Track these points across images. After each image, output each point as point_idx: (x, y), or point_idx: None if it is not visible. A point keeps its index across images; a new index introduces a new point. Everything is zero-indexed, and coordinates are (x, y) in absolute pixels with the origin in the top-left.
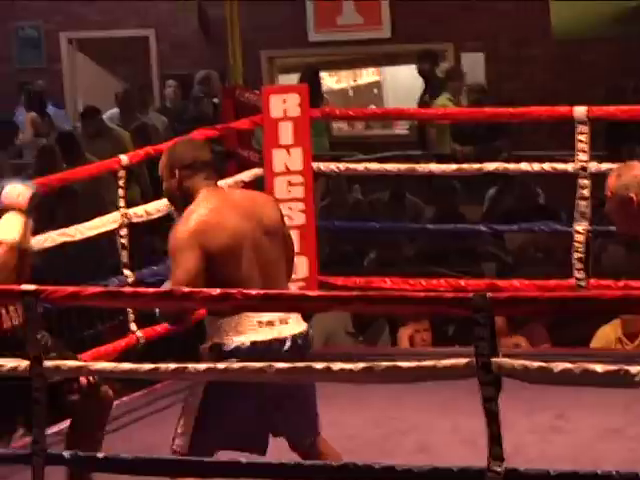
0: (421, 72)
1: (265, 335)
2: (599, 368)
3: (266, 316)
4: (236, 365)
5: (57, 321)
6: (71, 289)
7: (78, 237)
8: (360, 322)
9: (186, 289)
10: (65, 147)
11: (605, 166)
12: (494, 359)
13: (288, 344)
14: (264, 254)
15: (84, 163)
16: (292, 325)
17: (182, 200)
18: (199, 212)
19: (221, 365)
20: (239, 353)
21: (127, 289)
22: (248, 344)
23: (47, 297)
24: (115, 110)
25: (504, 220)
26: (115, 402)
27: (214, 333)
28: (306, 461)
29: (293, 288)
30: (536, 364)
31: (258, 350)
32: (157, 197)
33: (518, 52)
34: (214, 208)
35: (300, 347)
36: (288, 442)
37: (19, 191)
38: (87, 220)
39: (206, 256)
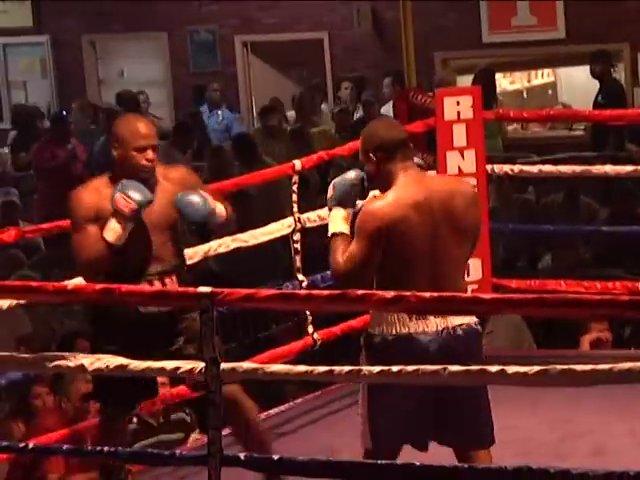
0: (594, 73)
1: (415, 328)
2: None
3: None
4: (410, 368)
5: (232, 324)
6: (246, 291)
7: (252, 242)
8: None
9: (361, 292)
10: (240, 149)
11: None
12: None
13: (436, 336)
14: (443, 249)
15: (261, 166)
16: (450, 317)
17: (383, 183)
18: (388, 203)
19: (395, 368)
20: (384, 344)
21: (301, 291)
22: (393, 336)
23: (223, 299)
24: (291, 113)
25: None
26: (290, 403)
27: (373, 322)
28: (479, 464)
29: (467, 291)
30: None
31: (402, 342)
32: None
33: None
34: (403, 200)
35: (458, 338)
36: (453, 449)
37: (125, 200)
38: (263, 223)
39: (382, 250)
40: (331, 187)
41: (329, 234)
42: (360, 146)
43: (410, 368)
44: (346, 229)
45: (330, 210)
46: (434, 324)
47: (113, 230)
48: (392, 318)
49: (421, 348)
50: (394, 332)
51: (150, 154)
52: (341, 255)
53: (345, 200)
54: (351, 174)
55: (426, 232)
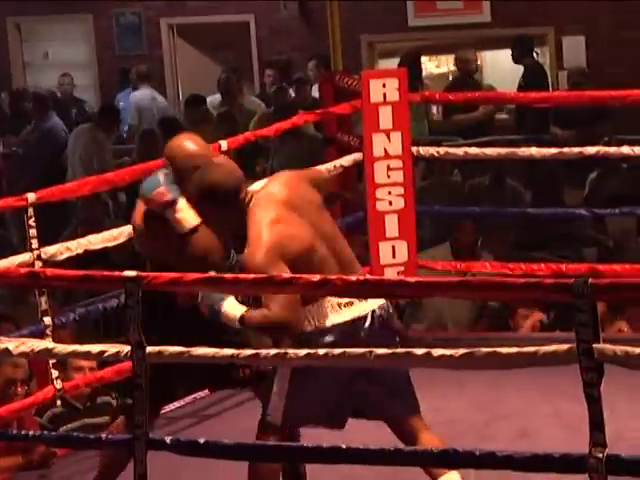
0: (515, 58)
1: (345, 316)
2: None
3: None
4: (337, 351)
5: None
6: (172, 275)
7: None
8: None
9: (287, 275)
10: (168, 132)
11: None
12: (596, 345)
13: (369, 320)
14: (326, 236)
15: None
16: (371, 301)
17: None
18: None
19: (322, 351)
20: (323, 336)
21: (227, 275)
22: (329, 326)
23: (149, 283)
24: (216, 96)
25: (607, 204)
26: None
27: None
28: (405, 447)
29: (392, 272)
30: (638, 350)
31: (340, 331)
32: None
33: (619, 35)
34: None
35: (383, 319)
36: (385, 421)
37: (157, 191)
38: None
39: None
40: None
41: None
42: None
43: (337, 351)
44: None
45: None
46: (367, 308)
47: None
48: (322, 310)
49: (356, 333)
50: (329, 323)
51: None
52: (261, 310)
53: None
54: None
55: (311, 234)
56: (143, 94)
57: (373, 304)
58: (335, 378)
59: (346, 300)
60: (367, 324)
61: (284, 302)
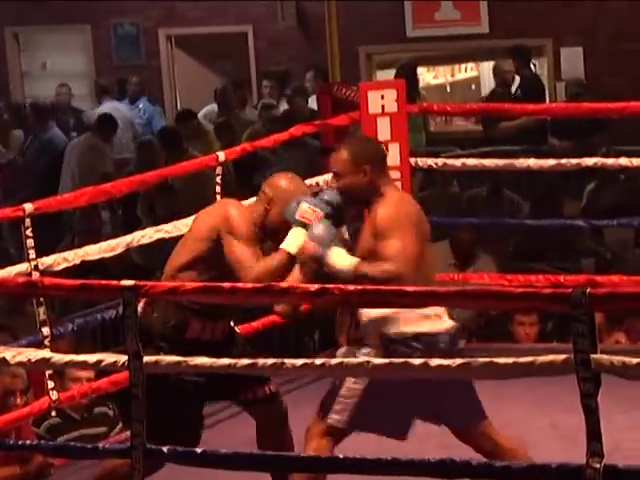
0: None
1: (432, 327)
2: None
3: (427, 310)
4: (334, 361)
5: None
6: (170, 284)
7: (175, 233)
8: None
9: (284, 284)
10: (167, 142)
11: None
12: (593, 355)
13: (449, 336)
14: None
15: (188, 158)
16: (446, 320)
17: (361, 197)
18: (402, 200)
19: (319, 361)
20: (408, 344)
21: (225, 284)
22: (415, 334)
23: (146, 292)
24: (213, 106)
25: (604, 215)
26: None
27: (377, 325)
28: (402, 457)
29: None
30: (635, 360)
31: (423, 342)
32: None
33: (618, 46)
34: (409, 198)
35: (455, 341)
36: (450, 429)
37: (310, 210)
38: (189, 215)
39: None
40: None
41: (343, 266)
42: (347, 157)
43: (334, 361)
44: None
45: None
46: (445, 324)
47: (297, 243)
48: (409, 317)
49: (438, 348)
50: (415, 331)
51: None
52: (381, 264)
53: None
54: (329, 195)
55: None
56: (106, 107)
57: (451, 322)
58: (405, 387)
59: (427, 312)
60: (447, 339)
61: (407, 258)
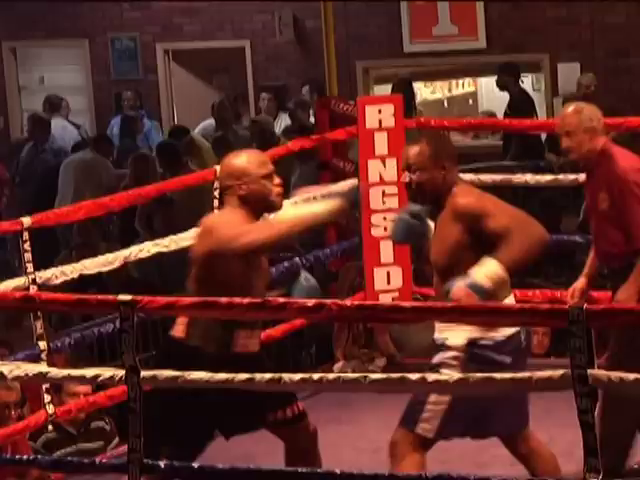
0: (500, 85)
1: (511, 330)
2: None
3: None
4: (331, 376)
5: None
6: (167, 299)
7: (173, 247)
8: None
9: (282, 300)
10: (165, 157)
11: None
12: (590, 371)
13: (523, 336)
14: None
15: (186, 172)
16: None
17: (436, 193)
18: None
19: (316, 376)
20: (501, 346)
21: (222, 299)
22: (504, 338)
23: (143, 307)
24: (210, 121)
25: None
26: None
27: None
28: (399, 472)
29: (386, 298)
30: (632, 376)
31: (512, 343)
32: None
33: (614, 62)
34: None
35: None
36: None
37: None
38: (186, 229)
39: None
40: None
41: None
42: (427, 152)
43: (331, 376)
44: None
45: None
46: None
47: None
48: None
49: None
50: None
51: (277, 179)
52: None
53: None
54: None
55: None
56: (55, 124)
57: None
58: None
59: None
60: (523, 339)
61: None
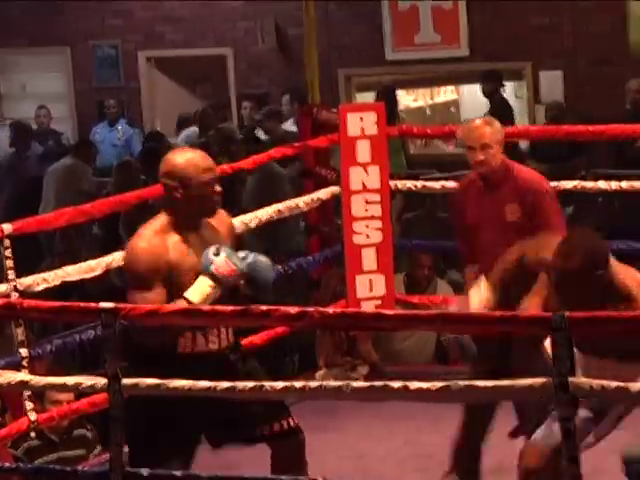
0: (484, 92)
1: None
2: None
3: None
4: (313, 384)
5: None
6: (149, 307)
7: None
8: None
9: (264, 307)
10: (149, 163)
11: None
12: (571, 379)
13: None
14: None
15: None
16: None
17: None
18: None
19: (298, 384)
20: None
21: (205, 307)
22: None
23: (126, 315)
24: (193, 129)
25: None
26: None
27: None
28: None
29: (369, 306)
30: (614, 384)
31: None
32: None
33: (597, 70)
34: None
35: None
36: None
37: (225, 264)
38: None
39: None
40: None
41: None
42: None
43: (313, 384)
44: None
45: None
46: None
47: (202, 293)
48: None
49: None
50: None
51: (218, 187)
52: None
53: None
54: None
55: None
56: None
57: None
58: None
59: None
60: None
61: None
